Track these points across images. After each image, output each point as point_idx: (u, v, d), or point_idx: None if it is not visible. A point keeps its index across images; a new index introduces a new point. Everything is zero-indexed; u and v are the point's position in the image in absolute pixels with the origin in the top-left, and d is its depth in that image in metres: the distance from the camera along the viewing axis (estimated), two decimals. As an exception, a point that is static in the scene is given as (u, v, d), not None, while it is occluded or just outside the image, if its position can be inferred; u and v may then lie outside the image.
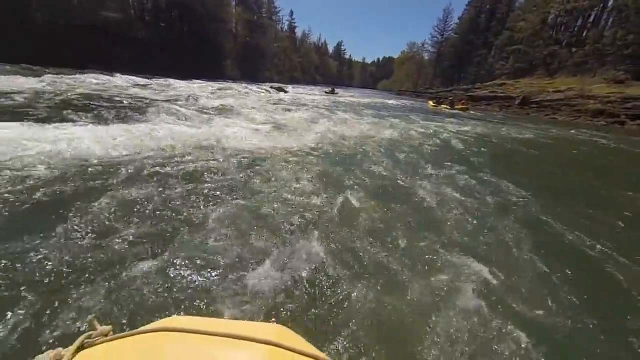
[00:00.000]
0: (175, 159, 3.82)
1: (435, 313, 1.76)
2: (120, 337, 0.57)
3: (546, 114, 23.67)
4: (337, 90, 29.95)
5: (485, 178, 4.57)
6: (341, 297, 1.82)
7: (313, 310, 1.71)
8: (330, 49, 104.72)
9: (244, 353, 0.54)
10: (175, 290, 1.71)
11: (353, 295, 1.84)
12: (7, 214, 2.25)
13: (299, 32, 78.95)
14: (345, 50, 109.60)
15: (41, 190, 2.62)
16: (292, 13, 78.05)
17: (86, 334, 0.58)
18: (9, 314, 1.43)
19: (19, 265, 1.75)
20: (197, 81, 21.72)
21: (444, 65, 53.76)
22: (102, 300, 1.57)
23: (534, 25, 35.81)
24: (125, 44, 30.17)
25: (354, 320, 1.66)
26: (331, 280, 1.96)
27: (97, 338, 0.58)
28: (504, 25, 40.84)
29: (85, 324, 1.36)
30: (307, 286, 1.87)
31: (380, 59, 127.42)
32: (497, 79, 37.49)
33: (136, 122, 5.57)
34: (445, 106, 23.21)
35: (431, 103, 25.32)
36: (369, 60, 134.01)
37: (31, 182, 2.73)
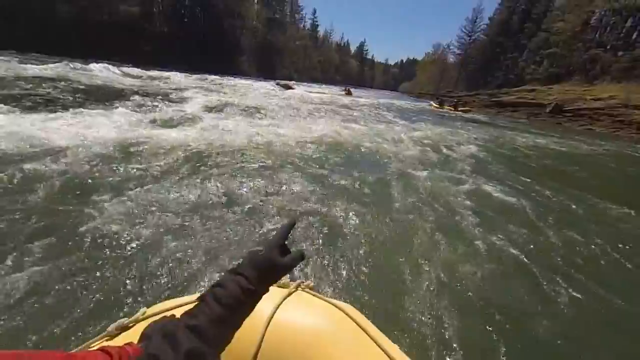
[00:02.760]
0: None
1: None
2: (175, 307, 0.72)
3: (581, 124, 21.36)
4: (352, 91, 28.64)
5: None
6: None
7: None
8: (353, 48, 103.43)
9: (277, 294, 0.79)
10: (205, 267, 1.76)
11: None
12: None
13: (321, 31, 78.70)
14: (367, 50, 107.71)
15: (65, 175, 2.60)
16: (314, 11, 77.77)
17: (145, 307, 0.73)
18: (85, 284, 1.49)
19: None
20: (205, 75, 21.66)
21: (469, 69, 50.98)
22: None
23: (574, 26, 32.77)
24: (146, 37, 31.21)
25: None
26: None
27: (157, 309, 0.73)
28: (539, 26, 37.83)
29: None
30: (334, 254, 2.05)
31: (404, 60, 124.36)
32: (527, 84, 34.79)
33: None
34: (448, 107, 22.84)
35: (434, 104, 24.45)
36: (391, 62, 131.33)
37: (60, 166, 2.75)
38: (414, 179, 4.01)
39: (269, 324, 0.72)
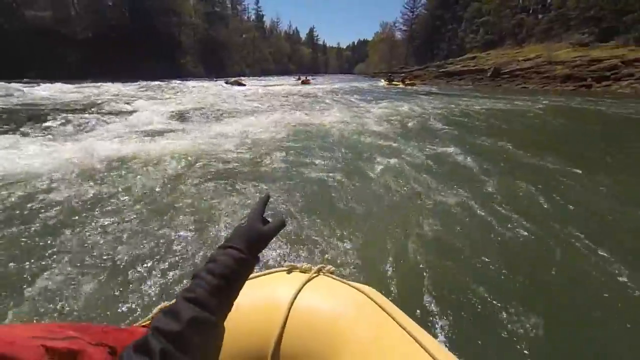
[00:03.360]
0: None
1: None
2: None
3: (517, 84, 23.64)
4: (308, 78, 28.27)
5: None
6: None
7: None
8: (303, 36, 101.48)
9: (298, 279, 0.81)
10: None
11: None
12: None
13: (267, 21, 75.73)
14: (317, 36, 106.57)
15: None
16: (257, 1, 74.34)
17: None
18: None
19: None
20: (144, 83, 19.63)
21: (416, 43, 53.10)
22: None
23: (501, -6, 35.49)
24: (67, 46, 27.31)
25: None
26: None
27: None
28: (472, -4, 40.32)
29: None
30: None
31: (355, 42, 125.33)
32: (468, 52, 37.30)
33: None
34: (395, 82, 24.53)
35: (384, 82, 26.04)
36: (343, 45, 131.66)
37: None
38: (390, 152, 4.37)
39: (290, 308, 0.72)
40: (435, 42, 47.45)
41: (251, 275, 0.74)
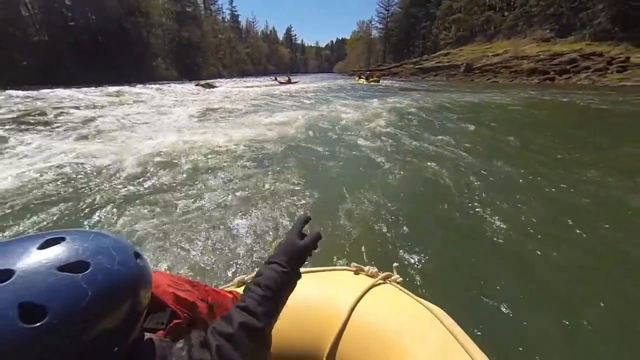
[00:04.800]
0: None
1: None
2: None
3: (488, 78, 24.63)
4: (289, 78, 27.72)
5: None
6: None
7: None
8: (280, 36, 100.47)
9: (363, 282, 0.81)
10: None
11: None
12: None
13: (242, 22, 74.18)
14: (295, 35, 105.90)
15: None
16: (231, 1, 72.44)
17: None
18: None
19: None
20: (109, 88, 18.29)
21: (392, 41, 54.01)
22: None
23: (469, -8, 36.81)
24: (18, 49, 25.15)
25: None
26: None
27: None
28: (443, -5, 41.53)
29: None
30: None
31: (334, 41, 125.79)
32: (442, 49, 38.43)
33: None
34: (363, 80, 26.40)
35: (357, 78, 28.12)
36: (322, 44, 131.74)
37: None
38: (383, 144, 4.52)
39: (352, 311, 0.73)
40: (411, 40, 48.50)
41: (319, 269, 0.87)
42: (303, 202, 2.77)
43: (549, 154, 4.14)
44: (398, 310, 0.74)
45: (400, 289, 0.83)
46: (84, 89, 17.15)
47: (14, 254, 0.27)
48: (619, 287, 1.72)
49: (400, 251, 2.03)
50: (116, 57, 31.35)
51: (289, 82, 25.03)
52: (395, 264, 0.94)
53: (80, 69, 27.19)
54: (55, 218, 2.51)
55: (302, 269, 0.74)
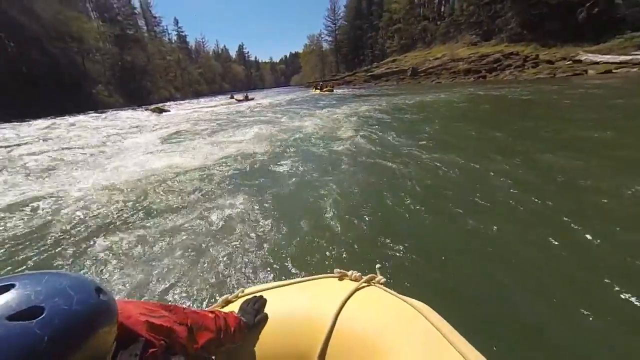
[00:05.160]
0: None
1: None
2: (262, 290, 0.89)
3: (432, 80, 27.08)
4: (247, 94, 27.51)
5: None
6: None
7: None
8: (233, 54, 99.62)
9: (348, 287, 0.81)
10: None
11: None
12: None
13: (191, 42, 72.19)
14: (248, 52, 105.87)
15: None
16: (176, 22, 70.43)
17: (242, 288, 0.94)
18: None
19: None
20: (40, 121, 16.14)
21: (343, 52, 56.87)
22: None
23: (405, 5, 40.65)
24: None
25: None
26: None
27: (249, 291, 0.92)
28: (382, 8, 45.18)
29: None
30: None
31: (287, 55, 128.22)
32: (389, 56, 41.45)
33: None
34: (318, 90, 27.40)
35: (314, 89, 28.90)
36: (276, 59, 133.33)
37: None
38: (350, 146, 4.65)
39: (337, 316, 0.73)
40: (360, 50, 51.58)
41: (304, 279, 0.90)
42: (278, 215, 2.72)
43: (503, 141, 4.61)
44: (382, 311, 0.74)
45: (385, 290, 0.83)
46: (5, 125, 14.97)
47: None
48: (563, 267, 1.77)
49: (382, 252, 2.04)
50: (48, 86, 28.10)
51: (247, 99, 24.84)
52: (377, 265, 0.96)
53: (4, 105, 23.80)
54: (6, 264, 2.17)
55: (286, 281, 0.90)
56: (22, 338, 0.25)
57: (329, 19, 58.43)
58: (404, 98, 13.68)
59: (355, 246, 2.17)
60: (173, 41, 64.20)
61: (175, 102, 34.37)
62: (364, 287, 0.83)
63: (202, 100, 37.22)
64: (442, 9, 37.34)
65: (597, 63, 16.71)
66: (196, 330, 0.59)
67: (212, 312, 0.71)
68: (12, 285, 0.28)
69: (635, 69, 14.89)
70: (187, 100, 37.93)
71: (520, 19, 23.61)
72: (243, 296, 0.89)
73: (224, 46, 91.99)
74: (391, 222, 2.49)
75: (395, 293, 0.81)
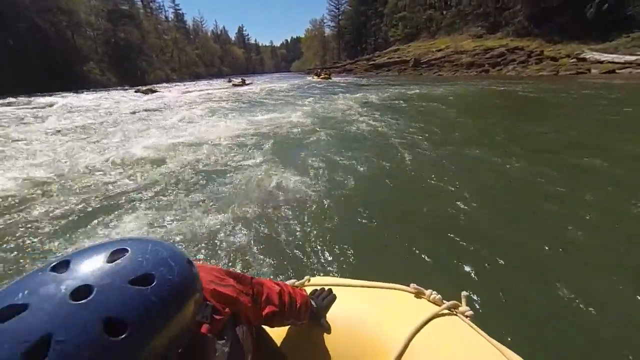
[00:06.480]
0: None
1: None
2: (327, 284, 0.87)
3: (434, 72, 26.51)
4: (243, 79, 26.89)
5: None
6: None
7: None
8: (232, 36, 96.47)
9: (426, 310, 0.72)
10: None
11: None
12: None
13: (189, 21, 69.55)
14: (248, 35, 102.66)
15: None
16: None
17: (309, 276, 0.94)
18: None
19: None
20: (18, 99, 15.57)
21: (346, 38, 55.25)
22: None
23: (411, -9, 39.12)
24: None
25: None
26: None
27: (315, 281, 0.92)
28: (388, -7, 43.55)
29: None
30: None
31: (289, 40, 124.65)
32: (392, 45, 40.35)
33: None
34: (315, 77, 28.17)
35: (314, 76, 29.25)
36: (277, 43, 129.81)
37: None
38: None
39: (411, 339, 0.66)
40: (363, 37, 50.10)
41: (375, 284, 0.86)
42: (347, 208, 2.70)
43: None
44: (465, 352, 0.63)
45: (470, 325, 0.71)
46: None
47: (88, 268, 0.29)
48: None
49: (471, 277, 1.71)
50: (35, 62, 27.04)
51: (243, 84, 24.42)
52: (464, 293, 0.81)
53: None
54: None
55: (360, 282, 0.88)
56: (142, 302, 0.29)
57: (332, 3, 56.42)
58: (422, 90, 13.35)
59: (439, 261, 1.90)
60: (169, 19, 61.87)
61: (170, 84, 33.40)
62: (444, 314, 0.72)
63: (199, 82, 36.20)
64: (449, -2, 36.06)
65: (601, 62, 16.36)
66: (260, 302, 0.60)
67: (278, 284, 0.69)
68: (126, 250, 0.32)
69: (638, 70, 14.61)
70: (184, 83, 36.90)
71: (529, 11, 22.86)
72: (309, 285, 0.88)
73: (223, 27, 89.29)
74: (491, 245, 2.03)
75: (484, 334, 0.68)
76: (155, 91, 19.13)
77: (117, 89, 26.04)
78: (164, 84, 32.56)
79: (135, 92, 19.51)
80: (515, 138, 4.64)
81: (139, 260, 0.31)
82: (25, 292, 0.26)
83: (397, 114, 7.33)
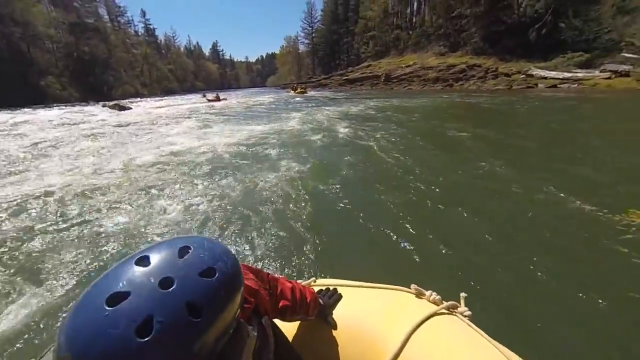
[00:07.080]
0: None
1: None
2: (332, 284, 0.91)
3: (404, 86, 28.18)
4: (217, 95, 26.39)
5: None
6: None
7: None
8: (206, 52, 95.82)
9: (425, 309, 0.74)
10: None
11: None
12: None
13: (160, 36, 68.24)
14: (223, 50, 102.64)
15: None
16: (144, 13, 65.95)
17: (314, 277, 0.98)
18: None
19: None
20: None
21: (320, 55, 57.23)
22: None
23: (379, 14, 41.93)
24: None
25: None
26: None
27: (320, 282, 0.95)
28: (358, 14, 46.24)
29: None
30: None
31: (264, 55, 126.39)
32: (364, 61, 42.44)
33: None
34: (292, 91, 29.57)
35: (290, 91, 30.60)
36: (252, 59, 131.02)
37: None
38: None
39: (410, 335, 0.68)
40: (337, 53, 52.23)
41: (378, 285, 0.89)
42: (353, 214, 2.82)
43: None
44: (461, 349, 0.64)
45: (469, 324, 0.72)
46: None
47: (167, 263, 0.34)
48: None
49: (472, 279, 1.74)
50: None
51: (218, 99, 23.91)
52: (463, 294, 0.83)
53: None
54: None
55: (359, 282, 0.91)
56: (212, 291, 0.34)
57: (305, 22, 58.57)
58: (402, 101, 13.98)
59: (440, 264, 1.96)
60: (140, 33, 60.29)
61: (140, 100, 32.07)
62: (443, 313, 0.75)
63: (171, 98, 35.12)
64: (414, 20, 39.14)
65: (545, 78, 18.49)
66: (276, 296, 0.64)
67: (290, 282, 0.73)
68: (190, 247, 0.37)
69: (575, 85, 16.76)
70: (154, 98, 35.61)
71: (482, 33, 25.45)
72: (315, 285, 0.92)
73: (197, 42, 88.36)
74: (490, 247, 2.12)
75: (482, 332, 0.69)
76: (124, 107, 18.09)
77: (81, 104, 24.43)
78: (134, 99, 31.19)
79: (102, 106, 18.48)
80: (486, 144, 5.07)
81: (201, 256, 0.36)
82: (124, 282, 0.31)
83: (389, 124, 7.68)
